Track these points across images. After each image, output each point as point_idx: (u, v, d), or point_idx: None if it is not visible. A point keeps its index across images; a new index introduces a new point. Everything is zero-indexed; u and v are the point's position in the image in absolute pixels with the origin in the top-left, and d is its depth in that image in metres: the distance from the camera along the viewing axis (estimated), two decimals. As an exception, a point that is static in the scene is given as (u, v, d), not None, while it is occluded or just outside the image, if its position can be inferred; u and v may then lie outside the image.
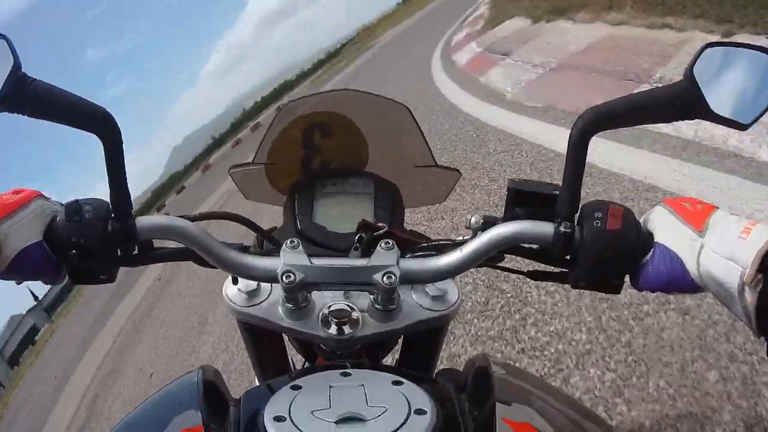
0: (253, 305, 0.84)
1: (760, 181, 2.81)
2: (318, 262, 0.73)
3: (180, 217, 0.76)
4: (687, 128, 3.53)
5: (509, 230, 0.70)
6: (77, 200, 0.71)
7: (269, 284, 0.85)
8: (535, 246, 0.74)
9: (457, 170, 1.07)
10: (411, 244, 0.84)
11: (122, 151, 0.71)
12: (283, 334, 1.01)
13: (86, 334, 14.07)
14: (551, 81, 6.63)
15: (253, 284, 0.85)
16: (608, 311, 2.35)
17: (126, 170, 0.72)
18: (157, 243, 0.79)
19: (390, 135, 1.08)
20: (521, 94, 6.66)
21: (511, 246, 0.72)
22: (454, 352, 2.63)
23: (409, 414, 0.58)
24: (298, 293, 0.76)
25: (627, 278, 0.70)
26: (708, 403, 1.76)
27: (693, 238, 0.62)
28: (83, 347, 12.88)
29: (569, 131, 0.68)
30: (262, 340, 1.01)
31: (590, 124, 0.67)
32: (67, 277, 0.73)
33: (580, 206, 0.69)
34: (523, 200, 0.73)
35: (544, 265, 0.76)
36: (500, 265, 0.83)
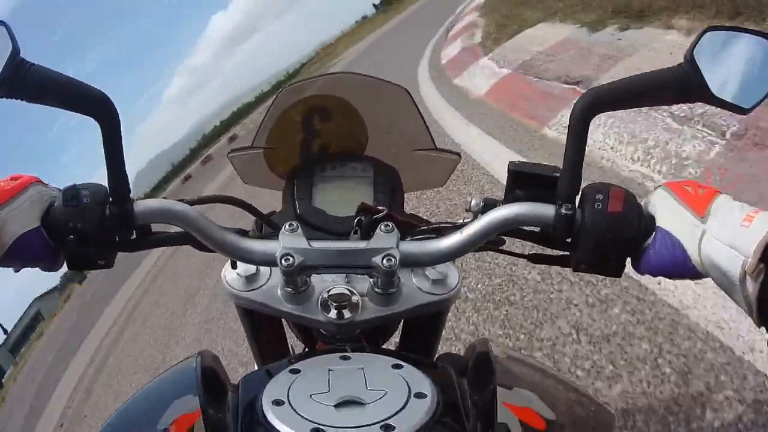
0: (252, 290, 0.84)
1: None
2: (317, 245, 0.73)
3: (178, 201, 0.75)
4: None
5: (510, 212, 0.70)
6: (75, 185, 0.72)
7: (268, 268, 0.86)
8: (535, 228, 0.74)
9: (457, 154, 1.07)
10: (411, 227, 0.85)
11: (120, 134, 0.71)
12: (283, 321, 1.01)
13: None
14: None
15: (252, 268, 0.85)
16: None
17: (124, 154, 0.72)
18: (156, 227, 0.79)
19: (389, 118, 1.08)
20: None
21: (512, 228, 0.72)
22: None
23: (408, 397, 0.58)
24: (297, 277, 0.76)
25: (628, 262, 0.70)
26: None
27: (695, 224, 0.62)
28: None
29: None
30: (262, 326, 1.01)
31: (591, 106, 0.67)
32: (65, 263, 0.74)
33: (581, 189, 0.69)
34: (524, 182, 0.73)
35: (544, 248, 0.76)
36: (501, 248, 0.83)
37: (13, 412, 13.06)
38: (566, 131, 0.68)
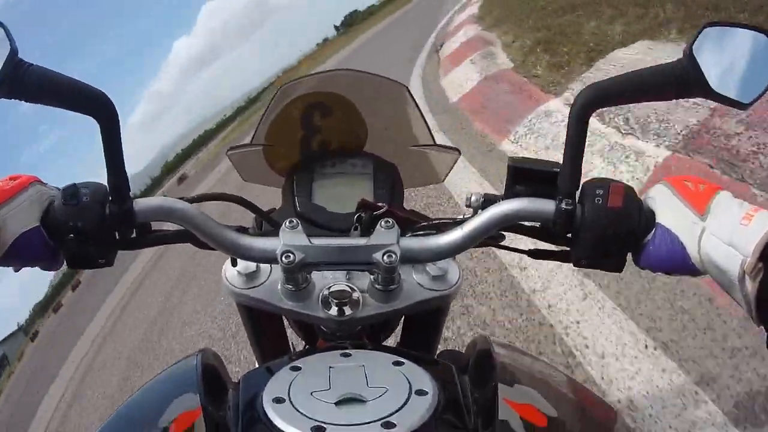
0: (253, 287, 0.85)
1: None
2: (317, 241, 0.74)
3: (179, 198, 0.76)
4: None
5: (510, 207, 0.71)
6: (74, 184, 0.72)
7: (268, 266, 0.86)
8: (536, 224, 0.74)
9: (457, 149, 1.07)
10: (411, 223, 0.85)
11: (119, 133, 0.71)
12: (284, 318, 1.01)
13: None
14: None
15: (252, 266, 0.85)
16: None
17: (123, 152, 0.72)
18: (156, 225, 0.79)
19: (388, 115, 1.09)
20: None
21: (512, 224, 0.73)
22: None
23: (409, 395, 0.58)
24: (297, 274, 0.77)
25: (629, 256, 0.70)
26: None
27: (694, 221, 0.62)
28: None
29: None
30: (262, 324, 1.02)
31: (590, 101, 0.68)
32: (65, 262, 0.74)
33: (581, 184, 0.70)
34: (524, 178, 0.74)
35: (545, 245, 0.76)
36: (501, 244, 0.83)
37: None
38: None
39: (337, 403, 0.57)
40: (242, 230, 0.81)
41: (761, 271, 0.54)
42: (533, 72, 5.45)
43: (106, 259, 0.74)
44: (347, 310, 0.80)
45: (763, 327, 0.57)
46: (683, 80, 0.65)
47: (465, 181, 4.11)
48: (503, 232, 0.80)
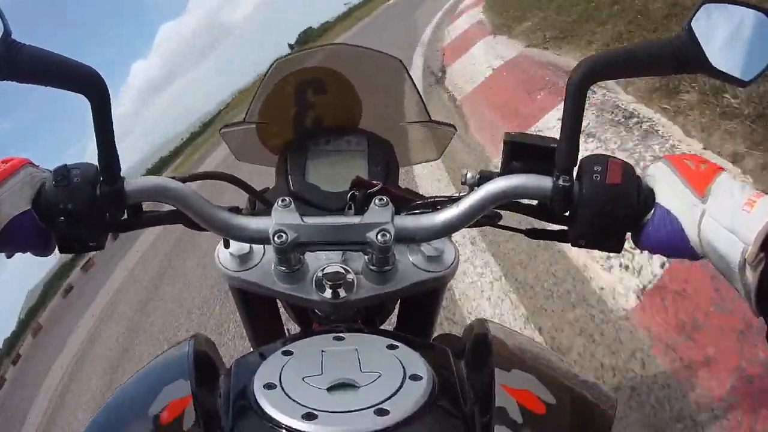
0: (246, 269, 0.85)
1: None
2: (310, 220, 0.73)
3: (171, 177, 0.75)
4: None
5: (507, 184, 0.70)
6: (65, 165, 0.71)
7: (262, 248, 0.86)
8: (533, 202, 0.73)
9: (452, 125, 1.05)
10: (406, 201, 0.84)
11: (110, 112, 0.70)
12: (279, 302, 1.00)
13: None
14: None
15: (245, 248, 0.85)
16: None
17: (114, 131, 0.71)
18: (147, 207, 0.79)
19: (383, 90, 1.08)
20: None
21: (509, 201, 0.72)
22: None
23: (403, 380, 0.58)
24: (290, 254, 0.76)
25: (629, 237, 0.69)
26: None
27: (694, 203, 0.61)
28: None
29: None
30: (256, 307, 1.02)
31: (587, 75, 0.67)
32: (56, 248, 0.73)
33: (578, 160, 0.69)
34: (521, 154, 0.73)
35: (542, 224, 0.75)
36: (498, 223, 0.82)
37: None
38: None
39: (329, 389, 0.57)
40: (235, 210, 0.80)
41: (762, 261, 0.53)
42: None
43: (97, 242, 0.73)
44: (341, 293, 0.80)
45: (762, 317, 0.56)
46: (682, 55, 0.64)
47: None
48: (499, 212, 0.79)
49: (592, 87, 0.68)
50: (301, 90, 1.02)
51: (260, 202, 0.91)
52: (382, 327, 1.02)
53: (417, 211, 0.81)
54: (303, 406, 0.54)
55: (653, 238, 0.65)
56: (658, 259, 2.17)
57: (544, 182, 0.69)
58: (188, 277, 6.39)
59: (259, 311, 1.02)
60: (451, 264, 0.86)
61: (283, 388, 0.57)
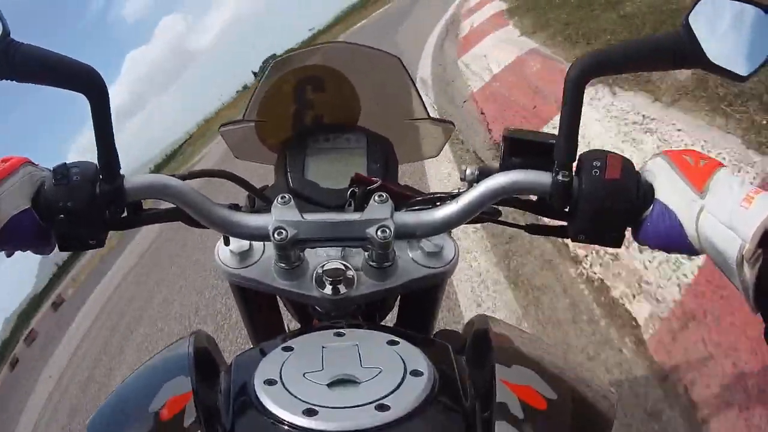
0: (246, 266, 0.85)
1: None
2: (310, 217, 0.74)
3: (170, 175, 0.76)
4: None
5: (506, 180, 0.70)
6: (65, 163, 0.72)
7: (262, 245, 0.86)
8: (533, 198, 0.74)
9: (451, 122, 1.06)
10: (405, 198, 0.85)
11: (109, 109, 0.71)
12: (279, 300, 1.00)
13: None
14: None
15: (245, 245, 0.85)
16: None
17: (114, 129, 0.72)
18: (147, 205, 0.79)
19: (382, 88, 1.09)
20: None
21: (508, 197, 0.73)
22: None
23: (404, 376, 0.58)
24: (290, 251, 0.76)
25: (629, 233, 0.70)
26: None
27: (693, 199, 0.62)
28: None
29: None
30: (256, 304, 1.02)
31: (586, 70, 0.67)
32: (56, 246, 0.74)
33: (577, 156, 0.70)
34: (520, 150, 0.74)
35: (542, 220, 0.76)
36: (498, 219, 0.82)
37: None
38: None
39: (329, 385, 0.57)
40: (234, 208, 0.81)
41: (760, 258, 0.54)
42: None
43: (96, 240, 0.74)
44: (341, 289, 0.80)
45: (760, 314, 0.56)
46: (680, 50, 0.65)
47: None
48: (498, 208, 0.79)
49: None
50: (300, 88, 1.02)
51: (260, 200, 0.92)
52: (382, 324, 1.03)
53: (416, 208, 0.81)
54: (303, 401, 0.54)
55: (652, 233, 0.65)
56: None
57: (544, 178, 0.69)
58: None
59: (259, 308, 1.02)
60: (451, 260, 0.86)
61: (283, 384, 0.57)
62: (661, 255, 2.28)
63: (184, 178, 0.77)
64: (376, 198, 0.73)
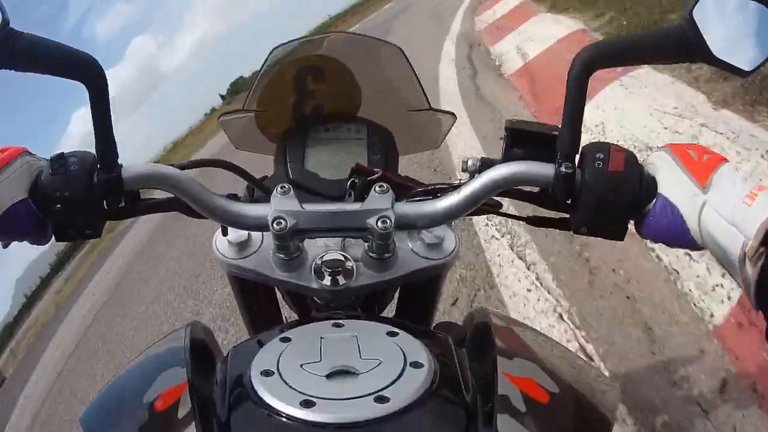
0: (244, 257, 0.85)
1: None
2: (309, 207, 0.73)
3: (169, 165, 0.75)
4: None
5: (508, 171, 0.70)
6: (62, 153, 0.71)
7: (260, 235, 0.86)
8: (535, 189, 0.74)
9: (452, 113, 1.05)
10: (406, 189, 0.85)
11: (108, 98, 0.70)
12: (277, 291, 1.00)
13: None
14: None
15: (243, 235, 0.85)
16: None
17: (112, 118, 0.71)
18: (145, 195, 0.79)
19: (383, 78, 1.08)
20: None
21: (511, 188, 0.72)
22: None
23: (404, 367, 0.58)
24: (289, 241, 0.76)
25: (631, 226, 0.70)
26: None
27: (695, 194, 0.62)
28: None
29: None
30: (254, 295, 1.02)
31: (590, 62, 0.67)
32: (53, 236, 0.74)
33: (580, 148, 0.69)
34: (522, 141, 0.73)
35: (544, 212, 0.75)
36: (499, 211, 0.82)
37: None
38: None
39: (328, 376, 0.57)
40: (233, 198, 0.80)
41: (763, 256, 0.53)
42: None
43: (93, 230, 0.74)
44: (341, 280, 0.80)
45: (761, 312, 0.56)
46: (683, 44, 0.65)
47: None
48: (500, 200, 0.79)
49: None
50: (300, 78, 1.02)
51: (259, 190, 0.92)
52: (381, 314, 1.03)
53: (417, 198, 0.81)
54: (301, 393, 0.54)
55: (654, 227, 0.65)
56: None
57: (546, 169, 0.69)
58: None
59: (257, 299, 1.02)
60: (452, 251, 0.86)
61: (280, 375, 0.56)
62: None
63: (182, 167, 0.76)
64: (377, 188, 0.73)
